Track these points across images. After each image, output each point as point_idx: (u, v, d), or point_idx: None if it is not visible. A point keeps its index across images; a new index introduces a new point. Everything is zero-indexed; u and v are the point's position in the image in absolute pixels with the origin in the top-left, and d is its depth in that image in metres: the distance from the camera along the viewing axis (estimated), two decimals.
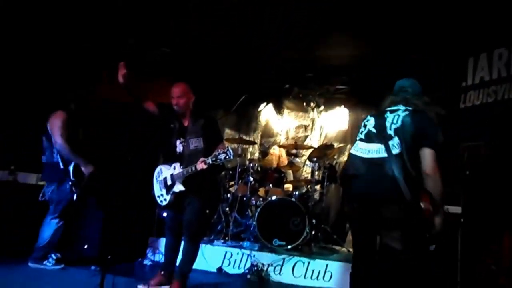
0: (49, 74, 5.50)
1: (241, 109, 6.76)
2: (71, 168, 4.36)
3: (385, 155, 2.66)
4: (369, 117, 2.96)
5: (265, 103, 7.27)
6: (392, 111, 2.84)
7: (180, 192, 3.71)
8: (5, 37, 5.11)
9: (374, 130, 2.82)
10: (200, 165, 3.48)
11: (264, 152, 6.61)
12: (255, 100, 7.13)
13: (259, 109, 7.35)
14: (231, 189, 5.96)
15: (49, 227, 4.37)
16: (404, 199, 2.55)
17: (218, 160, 3.42)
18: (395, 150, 2.66)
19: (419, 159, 2.66)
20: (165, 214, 4.72)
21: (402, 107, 2.84)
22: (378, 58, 5.55)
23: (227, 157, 3.39)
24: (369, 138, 2.83)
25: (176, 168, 3.73)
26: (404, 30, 4.87)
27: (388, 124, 2.76)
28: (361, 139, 2.88)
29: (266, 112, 7.38)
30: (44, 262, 4.34)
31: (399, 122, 2.73)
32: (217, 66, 6.36)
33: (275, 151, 6.57)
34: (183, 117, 3.88)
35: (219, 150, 3.47)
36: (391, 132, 2.73)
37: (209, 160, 3.46)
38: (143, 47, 5.73)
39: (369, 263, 2.79)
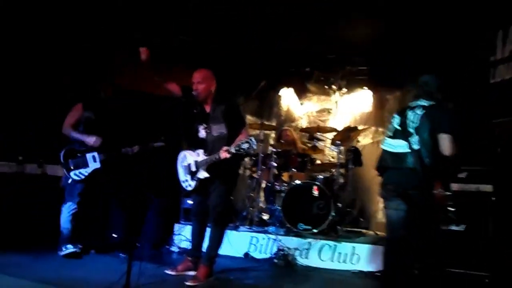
0: (76, 68, 5.61)
1: (261, 94, 6.76)
2: (62, 152, 4.41)
3: (408, 150, 3.14)
4: (395, 115, 3.37)
5: (286, 88, 7.16)
6: (412, 108, 3.22)
7: (205, 178, 3.73)
8: (27, 33, 5.20)
9: (399, 128, 3.25)
10: (224, 154, 3.52)
11: (279, 137, 6.52)
12: (275, 85, 7.03)
13: (279, 94, 7.24)
14: (254, 175, 5.93)
15: (62, 214, 4.42)
16: (422, 187, 3.10)
17: (241, 150, 3.45)
18: (415, 146, 3.12)
19: (435, 153, 3.08)
20: (190, 202, 4.88)
21: (422, 103, 3.22)
22: (398, 37, 5.46)
23: (249, 147, 3.41)
24: (394, 135, 3.28)
25: (200, 155, 3.77)
26: (426, 4, 4.71)
27: (409, 122, 3.18)
28: (389, 136, 3.34)
29: (287, 97, 7.26)
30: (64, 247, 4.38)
31: (418, 121, 3.14)
32: (235, 52, 6.34)
33: (289, 135, 6.40)
34: (204, 103, 3.88)
35: (242, 139, 3.48)
36: (411, 130, 3.16)
37: (232, 150, 3.48)
38: (160, 35, 5.75)
39: (403, 245, 3.12)
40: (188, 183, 3.87)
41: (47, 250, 4.39)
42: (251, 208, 5.61)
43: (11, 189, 4.84)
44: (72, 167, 4.38)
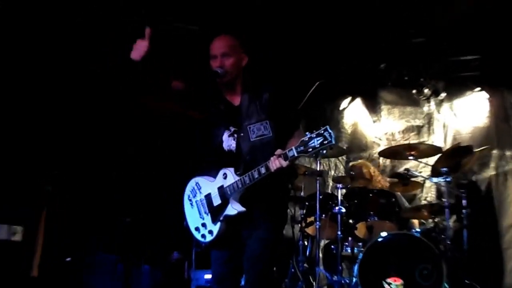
0: None
1: (313, 107, 6.91)
2: None
3: None
4: None
5: (349, 98, 7.33)
6: None
7: (239, 215, 3.27)
8: None
9: None
10: (276, 163, 3.07)
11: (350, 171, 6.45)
12: (333, 93, 7.18)
13: (341, 108, 7.39)
14: (308, 230, 5.92)
15: None
16: None
17: (310, 150, 2.99)
18: None
19: None
20: (208, 276, 5.46)
21: None
22: None
23: (325, 141, 2.95)
24: None
25: (229, 176, 3.35)
26: None
27: None
28: None
29: (353, 112, 7.38)
30: None
31: None
32: (272, 41, 6.22)
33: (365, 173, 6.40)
34: (231, 91, 3.56)
35: (308, 134, 3.05)
36: None
37: (294, 152, 3.03)
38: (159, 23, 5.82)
39: None
40: (207, 230, 3.42)
41: None
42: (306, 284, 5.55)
43: None
44: None
